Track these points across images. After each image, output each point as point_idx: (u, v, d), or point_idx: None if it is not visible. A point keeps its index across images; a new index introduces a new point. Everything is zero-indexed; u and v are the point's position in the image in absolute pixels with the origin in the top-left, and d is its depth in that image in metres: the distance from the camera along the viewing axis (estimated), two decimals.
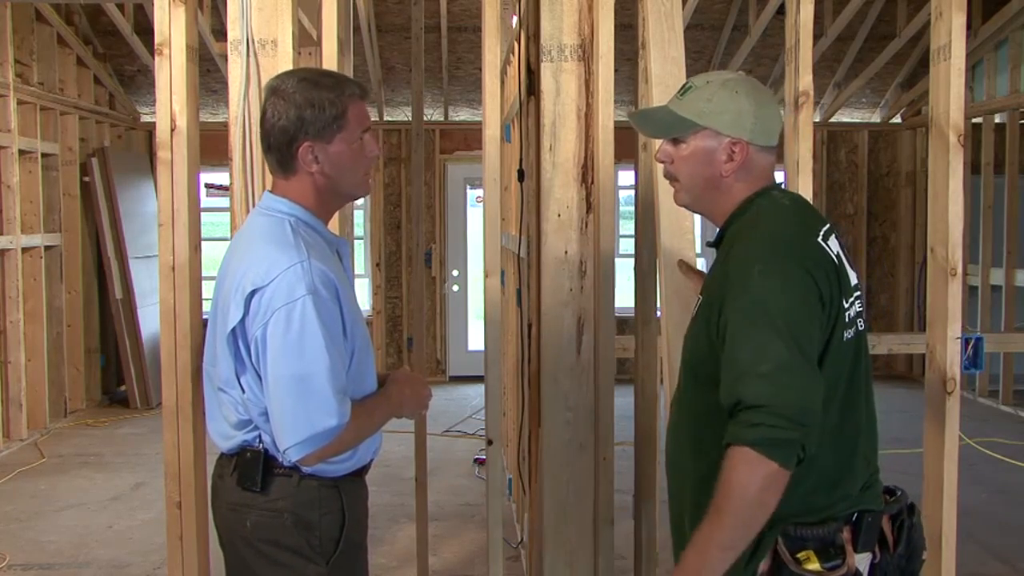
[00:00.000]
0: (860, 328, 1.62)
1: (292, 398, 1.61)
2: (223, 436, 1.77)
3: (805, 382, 1.46)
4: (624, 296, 3.38)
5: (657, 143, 1.87)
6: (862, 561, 1.55)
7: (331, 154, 1.72)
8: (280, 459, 1.70)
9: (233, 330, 1.66)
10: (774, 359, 1.46)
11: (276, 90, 1.72)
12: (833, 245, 1.60)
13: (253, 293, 1.63)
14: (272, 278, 1.61)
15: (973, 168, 7.03)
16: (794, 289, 1.50)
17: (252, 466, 1.71)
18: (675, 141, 1.69)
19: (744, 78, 1.69)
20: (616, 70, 2.37)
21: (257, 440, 1.72)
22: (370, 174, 1.82)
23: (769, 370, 1.46)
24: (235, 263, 1.71)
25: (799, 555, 1.52)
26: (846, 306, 1.57)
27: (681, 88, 1.71)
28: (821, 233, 1.60)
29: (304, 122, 1.69)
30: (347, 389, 1.66)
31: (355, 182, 1.78)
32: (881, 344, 3.40)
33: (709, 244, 1.72)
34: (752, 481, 1.43)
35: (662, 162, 1.73)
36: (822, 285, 1.52)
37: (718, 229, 1.71)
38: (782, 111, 1.72)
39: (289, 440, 1.63)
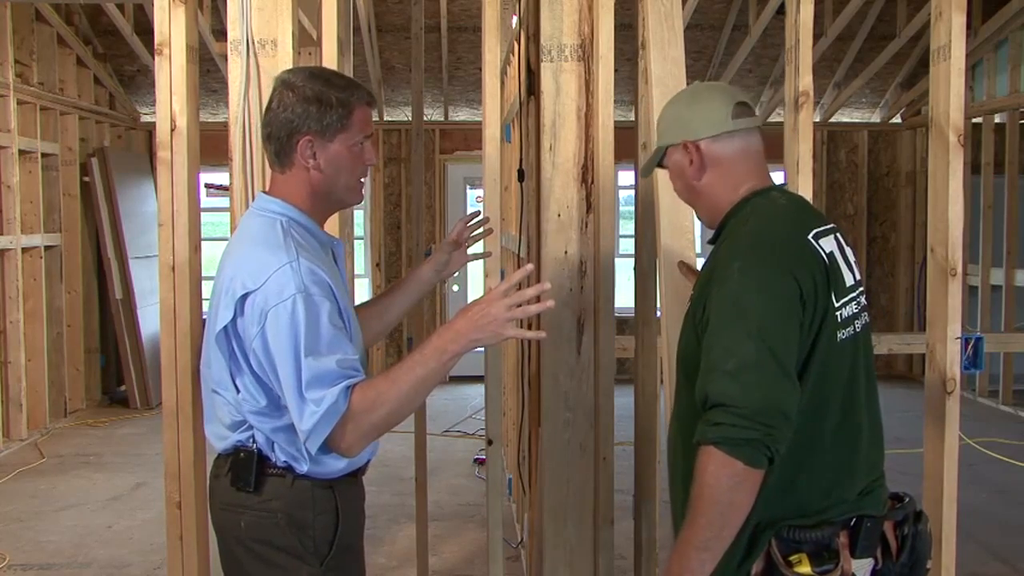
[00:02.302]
0: (857, 329, 1.60)
1: (292, 397, 1.60)
2: (218, 436, 1.77)
3: (770, 382, 1.46)
4: (624, 296, 3.38)
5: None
6: (862, 567, 1.54)
7: (330, 152, 1.71)
8: (273, 459, 1.70)
9: (225, 330, 1.66)
10: (740, 358, 1.46)
11: (286, 82, 1.73)
12: (826, 244, 1.59)
13: (245, 296, 1.62)
14: (263, 281, 1.61)
15: (973, 168, 7.04)
16: (771, 288, 1.50)
17: (245, 466, 1.71)
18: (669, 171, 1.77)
19: (688, 87, 1.77)
20: (616, 70, 2.37)
21: (250, 440, 1.71)
22: (364, 182, 1.82)
23: (734, 368, 1.46)
24: (226, 264, 1.70)
25: (791, 558, 1.51)
26: (837, 306, 1.55)
27: None
28: (814, 232, 1.58)
29: (309, 116, 1.69)
30: (354, 373, 1.62)
31: (349, 186, 1.77)
32: (881, 344, 3.40)
33: (709, 242, 1.72)
34: (719, 481, 1.44)
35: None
36: (804, 285, 1.51)
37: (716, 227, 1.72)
38: (727, 96, 1.69)
39: (302, 436, 1.62)
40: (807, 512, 1.54)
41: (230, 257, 1.71)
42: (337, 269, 1.80)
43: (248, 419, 1.70)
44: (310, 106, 1.69)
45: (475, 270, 8.47)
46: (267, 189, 1.80)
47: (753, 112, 1.72)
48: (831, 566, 1.51)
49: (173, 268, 2.34)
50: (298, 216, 1.74)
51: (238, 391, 1.69)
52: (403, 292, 2.13)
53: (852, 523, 1.55)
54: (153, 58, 2.38)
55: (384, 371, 1.66)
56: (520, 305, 1.58)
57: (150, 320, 7.07)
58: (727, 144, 1.66)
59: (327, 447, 1.63)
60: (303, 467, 1.70)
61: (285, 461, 1.70)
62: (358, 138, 1.74)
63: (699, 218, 1.80)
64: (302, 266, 1.62)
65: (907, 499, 1.65)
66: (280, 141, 1.72)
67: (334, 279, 1.69)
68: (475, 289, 8.24)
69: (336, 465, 1.74)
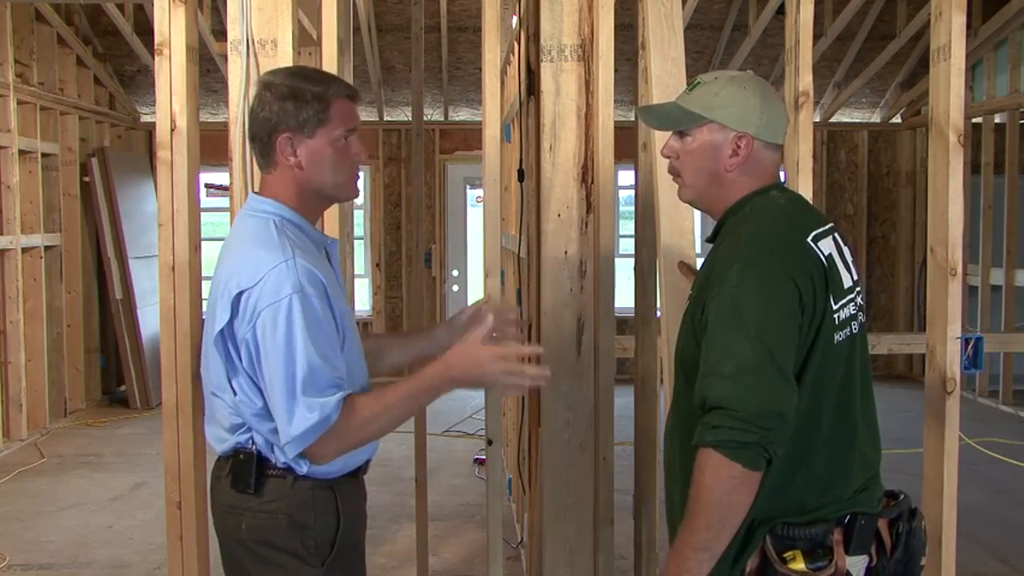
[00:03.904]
0: (854, 330, 1.61)
1: (281, 397, 1.60)
2: (217, 439, 1.77)
3: (769, 384, 1.46)
4: (624, 296, 3.38)
5: (659, 144, 1.87)
6: (857, 564, 1.55)
7: (310, 148, 1.71)
8: (273, 460, 1.70)
9: (221, 332, 1.65)
10: (738, 360, 1.47)
11: (265, 83, 1.73)
12: (825, 246, 1.59)
13: (240, 295, 1.62)
14: (258, 279, 1.61)
15: (973, 168, 7.04)
16: (770, 291, 1.50)
17: (245, 468, 1.71)
18: (681, 135, 1.69)
19: (752, 76, 1.70)
20: (616, 70, 2.37)
21: (250, 442, 1.71)
22: (356, 177, 1.80)
23: (732, 371, 1.47)
24: (223, 266, 1.70)
25: (786, 555, 1.52)
26: (835, 308, 1.56)
27: (690, 84, 1.72)
28: (813, 233, 1.59)
29: (286, 113, 1.68)
30: (342, 382, 1.64)
31: (337, 183, 1.75)
32: (881, 344, 3.40)
33: (707, 240, 1.72)
34: (717, 483, 1.45)
35: (667, 157, 1.73)
36: (803, 287, 1.51)
37: (715, 224, 1.71)
38: (786, 111, 1.74)
39: (283, 439, 1.63)
40: (803, 510, 1.55)
41: (226, 259, 1.71)
42: (332, 269, 1.79)
43: (248, 421, 1.70)
44: (286, 103, 1.69)
45: (475, 271, 8.47)
46: (257, 190, 1.80)
47: None
48: (825, 563, 1.52)
49: (173, 268, 2.34)
50: (290, 215, 1.73)
51: (235, 393, 1.69)
52: (407, 341, 2.12)
53: (846, 520, 1.56)
54: (153, 58, 2.39)
55: (377, 392, 1.69)
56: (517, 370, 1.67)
57: (150, 320, 7.07)
58: (771, 153, 1.67)
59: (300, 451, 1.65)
60: (303, 468, 1.70)
61: (285, 462, 1.70)
62: (339, 132, 1.72)
63: (699, 203, 1.75)
64: (298, 264, 1.62)
65: (902, 496, 1.67)
66: (262, 141, 1.72)
67: (328, 279, 1.69)
68: (475, 290, 8.24)
69: (335, 464, 1.74)
